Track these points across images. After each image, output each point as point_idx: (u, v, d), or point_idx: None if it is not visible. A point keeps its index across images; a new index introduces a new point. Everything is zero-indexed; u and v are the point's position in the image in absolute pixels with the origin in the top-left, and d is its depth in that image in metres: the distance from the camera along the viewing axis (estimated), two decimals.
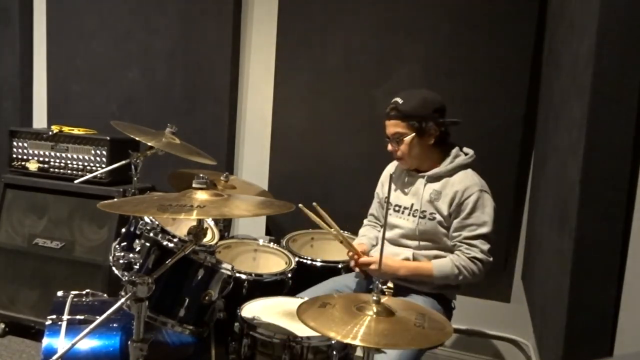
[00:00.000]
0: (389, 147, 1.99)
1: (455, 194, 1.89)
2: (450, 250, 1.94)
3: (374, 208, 2.25)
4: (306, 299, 1.55)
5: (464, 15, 2.53)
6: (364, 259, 1.92)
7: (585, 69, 1.35)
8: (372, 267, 1.88)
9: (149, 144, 2.17)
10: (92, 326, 1.41)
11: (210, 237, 2.06)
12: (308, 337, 1.60)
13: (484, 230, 1.87)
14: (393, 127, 1.94)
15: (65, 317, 1.83)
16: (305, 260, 2.28)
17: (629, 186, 1.26)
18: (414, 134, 1.91)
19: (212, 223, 2.14)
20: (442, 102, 1.94)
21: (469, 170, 1.95)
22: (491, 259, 1.88)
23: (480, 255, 1.85)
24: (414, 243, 1.97)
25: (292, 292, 2.09)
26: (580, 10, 1.54)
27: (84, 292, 2.02)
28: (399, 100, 1.92)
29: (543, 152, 2.14)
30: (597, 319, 1.32)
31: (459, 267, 1.85)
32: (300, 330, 1.58)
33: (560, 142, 1.67)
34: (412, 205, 1.99)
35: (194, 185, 1.52)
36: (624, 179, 1.26)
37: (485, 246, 1.86)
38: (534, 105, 2.44)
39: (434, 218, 1.93)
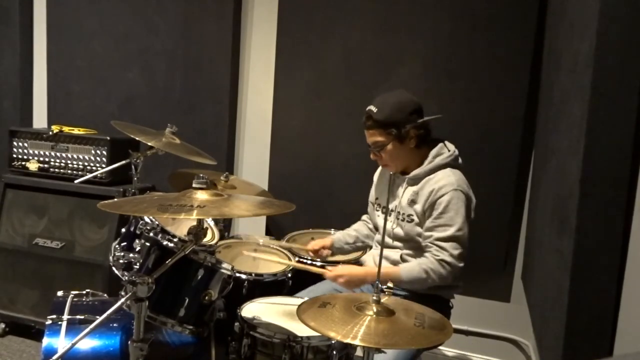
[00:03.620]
0: (372, 155, 1.97)
1: (430, 193, 1.85)
2: None
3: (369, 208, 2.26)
4: (305, 298, 1.55)
5: (464, 15, 2.53)
6: (329, 274, 1.85)
7: (585, 69, 1.35)
8: (340, 280, 1.82)
9: (149, 144, 2.17)
10: (92, 326, 1.41)
11: (210, 237, 2.06)
12: (308, 337, 1.60)
13: (455, 231, 1.79)
14: (371, 136, 1.91)
15: (65, 317, 1.83)
16: (305, 260, 2.28)
17: (629, 186, 1.26)
18: (393, 141, 1.88)
19: (212, 223, 2.14)
20: (417, 102, 1.90)
21: (448, 170, 1.89)
22: (461, 264, 1.80)
23: (449, 259, 1.78)
24: (398, 244, 1.96)
25: (292, 292, 2.09)
26: (580, 10, 1.54)
27: (84, 292, 2.02)
28: (373, 108, 1.88)
29: (543, 152, 2.14)
30: (597, 319, 1.32)
31: (427, 270, 1.79)
32: (300, 330, 1.58)
33: (560, 142, 1.67)
34: (395, 207, 1.98)
35: (194, 185, 1.52)
36: (624, 179, 1.26)
37: (456, 251, 1.79)
38: (534, 105, 2.44)
39: (412, 220, 1.90)
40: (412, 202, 1.91)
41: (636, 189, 1.26)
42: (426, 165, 1.91)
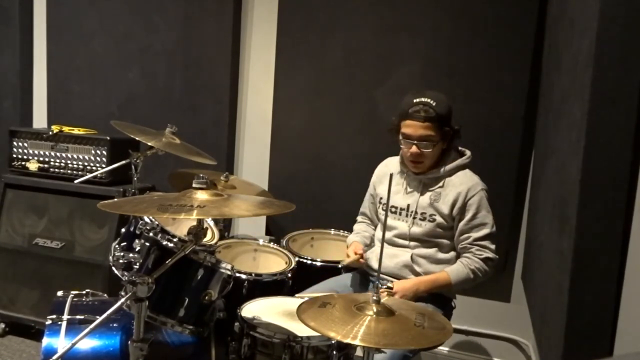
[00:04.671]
0: (413, 148, 1.88)
1: (458, 195, 1.88)
2: (450, 249, 1.94)
3: (366, 207, 2.22)
4: (306, 298, 1.55)
5: (464, 15, 2.53)
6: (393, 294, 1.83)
7: (585, 69, 1.35)
8: (397, 296, 1.80)
9: (149, 144, 2.17)
10: (92, 326, 1.41)
11: (210, 237, 2.06)
12: (308, 337, 1.60)
13: (489, 229, 1.88)
14: (424, 129, 1.84)
15: (65, 317, 1.83)
16: (305, 260, 2.28)
17: (629, 186, 1.26)
18: (441, 139, 1.88)
19: (212, 223, 2.14)
20: None
21: (467, 171, 1.95)
22: (498, 256, 1.90)
23: (491, 255, 1.87)
24: (414, 244, 1.96)
25: (292, 292, 2.09)
26: (580, 10, 1.54)
27: (84, 292, 2.02)
28: (431, 101, 1.83)
29: (543, 152, 2.14)
30: (597, 319, 1.32)
31: (474, 270, 1.86)
32: (300, 330, 1.58)
33: (560, 142, 1.67)
34: (408, 206, 1.98)
35: (194, 185, 1.52)
36: (624, 179, 1.26)
37: (493, 245, 1.88)
38: (534, 105, 2.44)
39: (434, 220, 1.92)
40: (434, 201, 1.92)
41: (636, 189, 1.26)
42: (446, 166, 1.93)
